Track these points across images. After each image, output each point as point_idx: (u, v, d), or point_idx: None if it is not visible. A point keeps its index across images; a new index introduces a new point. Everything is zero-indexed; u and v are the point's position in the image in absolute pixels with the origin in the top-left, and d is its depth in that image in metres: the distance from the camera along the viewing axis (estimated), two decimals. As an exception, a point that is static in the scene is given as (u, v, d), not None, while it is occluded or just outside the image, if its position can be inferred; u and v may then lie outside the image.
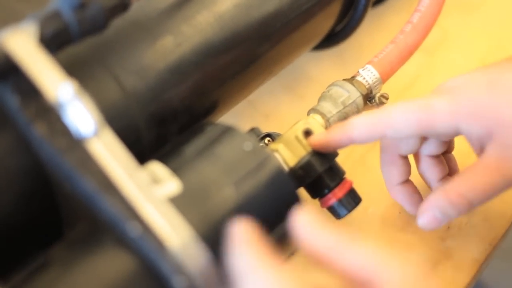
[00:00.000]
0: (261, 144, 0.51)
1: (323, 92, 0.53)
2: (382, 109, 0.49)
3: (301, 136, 0.48)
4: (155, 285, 0.37)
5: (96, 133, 0.38)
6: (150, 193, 0.37)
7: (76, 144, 0.38)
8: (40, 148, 0.39)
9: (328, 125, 0.51)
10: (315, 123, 0.49)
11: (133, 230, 0.36)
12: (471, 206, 0.49)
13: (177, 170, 0.41)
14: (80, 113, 0.37)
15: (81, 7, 0.40)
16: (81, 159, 0.38)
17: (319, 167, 0.49)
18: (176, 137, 0.47)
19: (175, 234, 0.36)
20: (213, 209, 0.40)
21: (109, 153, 0.38)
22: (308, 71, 0.68)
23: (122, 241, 0.37)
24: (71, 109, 0.38)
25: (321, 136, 0.49)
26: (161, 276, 0.36)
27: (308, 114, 0.52)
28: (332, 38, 0.63)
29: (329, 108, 0.51)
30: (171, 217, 0.37)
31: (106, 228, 0.38)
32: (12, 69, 0.38)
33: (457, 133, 0.50)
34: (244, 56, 0.51)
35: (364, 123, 0.48)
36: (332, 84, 0.53)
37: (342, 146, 0.50)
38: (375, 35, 0.71)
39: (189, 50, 0.47)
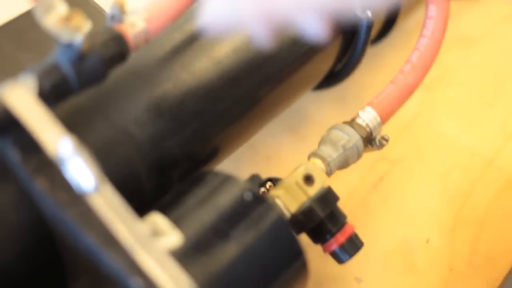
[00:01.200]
0: (262, 190, 0.50)
1: (323, 135, 0.53)
2: None
3: (301, 181, 0.48)
4: None
5: (96, 189, 0.38)
6: (151, 246, 0.37)
7: (77, 198, 0.38)
8: (41, 202, 0.39)
9: (329, 169, 0.51)
10: (316, 168, 0.49)
11: (135, 284, 0.36)
12: None
13: (178, 221, 0.41)
14: (80, 169, 0.37)
15: (80, 59, 0.41)
16: (82, 213, 0.38)
17: (321, 212, 0.49)
18: (177, 184, 0.47)
19: (176, 287, 0.36)
20: (214, 261, 0.40)
21: (110, 207, 0.38)
22: (309, 112, 0.68)
23: (125, 295, 0.37)
24: (72, 164, 0.37)
25: None
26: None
27: (309, 158, 0.52)
28: (332, 78, 0.63)
29: (330, 152, 0.51)
30: (172, 271, 0.37)
31: (109, 282, 0.38)
32: (12, 124, 0.38)
33: None
34: (244, 101, 0.51)
35: None
36: (332, 128, 0.53)
37: None
38: (375, 73, 0.71)
39: (188, 97, 0.48)
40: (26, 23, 0.50)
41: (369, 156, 0.55)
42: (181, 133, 0.47)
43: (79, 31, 0.40)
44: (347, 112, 0.57)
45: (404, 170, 0.64)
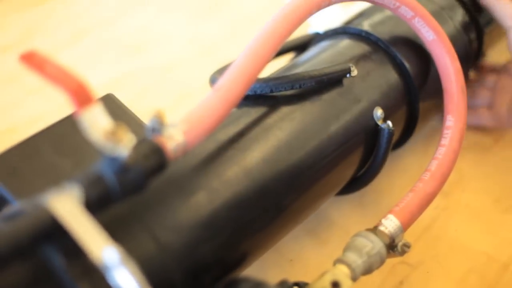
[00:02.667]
0: (290, 294, 0.52)
1: (348, 242, 0.55)
2: None
3: (328, 287, 0.50)
4: None
5: None
6: None
7: (119, 303, 0.40)
8: None
9: (354, 275, 0.52)
10: (342, 274, 0.51)
11: None
12: None
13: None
14: (125, 277, 0.39)
15: (123, 171, 0.43)
16: None
17: (347, 317, 0.50)
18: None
19: None
20: None
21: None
22: (329, 216, 0.70)
23: None
24: (116, 272, 0.39)
25: None
26: None
27: (334, 264, 0.53)
28: (354, 184, 0.65)
29: (354, 259, 0.53)
30: None
31: None
32: (58, 231, 0.40)
33: None
34: (273, 209, 0.53)
35: None
36: (356, 235, 0.55)
37: None
38: (392, 179, 0.73)
39: (221, 205, 0.49)
40: (66, 129, 0.53)
41: (389, 260, 0.57)
42: (214, 240, 0.49)
43: (124, 144, 0.42)
44: (366, 217, 0.59)
45: (423, 274, 0.66)
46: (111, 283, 0.40)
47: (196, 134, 0.47)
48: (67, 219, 0.40)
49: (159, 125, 0.46)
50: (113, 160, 0.42)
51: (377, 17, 0.68)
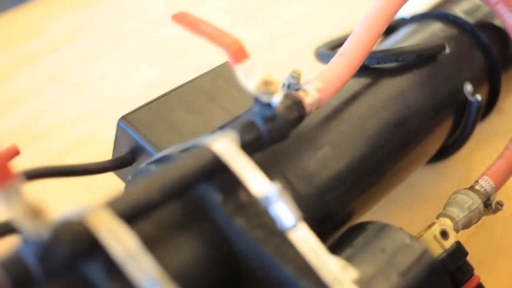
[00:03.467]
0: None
1: (449, 199, 0.59)
2: None
3: (438, 236, 0.55)
4: None
5: (294, 226, 0.43)
6: (342, 279, 0.43)
7: (273, 235, 0.44)
8: (237, 239, 0.45)
9: (456, 227, 0.57)
10: (448, 225, 0.56)
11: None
12: None
13: (349, 260, 0.46)
14: (282, 209, 0.43)
15: (272, 119, 0.47)
16: (279, 248, 0.44)
17: (452, 265, 0.55)
18: (329, 235, 0.53)
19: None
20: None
21: (305, 242, 0.44)
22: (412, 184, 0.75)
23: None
24: (275, 205, 0.43)
25: None
26: None
27: (438, 217, 0.58)
28: (442, 154, 0.70)
29: (457, 213, 0.57)
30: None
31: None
32: (216, 170, 0.45)
33: None
34: (382, 166, 0.58)
35: None
36: (457, 192, 0.60)
37: None
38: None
39: (343, 159, 0.54)
40: (192, 90, 0.58)
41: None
42: (337, 190, 0.53)
43: (277, 94, 0.47)
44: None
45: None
46: (266, 215, 0.44)
47: (328, 92, 0.52)
48: (228, 157, 0.44)
49: (295, 82, 0.51)
50: (265, 108, 0.47)
51: (463, 2, 0.73)
